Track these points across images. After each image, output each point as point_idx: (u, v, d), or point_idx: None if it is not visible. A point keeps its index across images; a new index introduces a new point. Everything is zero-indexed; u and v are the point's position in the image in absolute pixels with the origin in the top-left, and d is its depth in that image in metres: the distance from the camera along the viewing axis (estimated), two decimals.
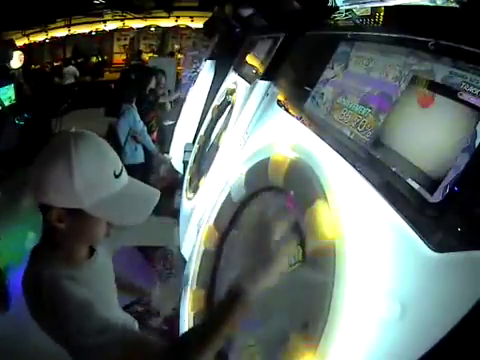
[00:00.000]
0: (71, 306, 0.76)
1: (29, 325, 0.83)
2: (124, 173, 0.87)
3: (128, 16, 9.85)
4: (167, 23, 10.03)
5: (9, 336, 2.10)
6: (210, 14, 3.96)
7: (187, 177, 2.54)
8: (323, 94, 1.02)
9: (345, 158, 0.80)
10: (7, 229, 3.21)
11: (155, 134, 3.71)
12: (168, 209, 3.05)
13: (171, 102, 4.42)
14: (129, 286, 1.26)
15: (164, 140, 4.14)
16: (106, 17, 9.86)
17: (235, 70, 2.38)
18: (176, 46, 9.89)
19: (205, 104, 3.17)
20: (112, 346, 0.75)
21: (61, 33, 9.71)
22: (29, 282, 0.83)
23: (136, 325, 1.12)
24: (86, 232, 0.86)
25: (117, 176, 0.84)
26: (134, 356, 0.78)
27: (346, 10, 1.10)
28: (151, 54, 9.61)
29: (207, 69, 3.45)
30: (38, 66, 9.38)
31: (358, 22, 1.04)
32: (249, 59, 2.10)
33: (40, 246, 0.88)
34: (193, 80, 4.12)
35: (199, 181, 2.11)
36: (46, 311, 0.78)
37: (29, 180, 0.81)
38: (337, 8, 1.13)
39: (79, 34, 9.85)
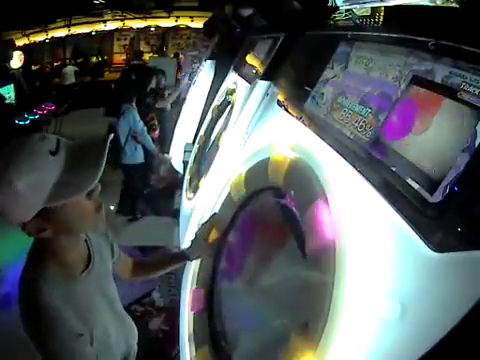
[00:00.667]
0: (56, 333, 0.80)
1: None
2: (62, 145, 0.80)
3: (128, 16, 9.85)
4: (167, 23, 10.03)
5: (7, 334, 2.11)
6: (210, 14, 3.96)
7: (187, 177, 2.54)
8: (323, 94, 1.02)
9: (345, 158, 0.80)
10: (7, 229, 3.21)
11: (157, 132, 3.70)
12: (168, 209, 3.06)
13: (171, 104, 4.42)
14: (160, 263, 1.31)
15: (164, 140, 4.14)
16: (106, 17, 9.86)
17: (235, 70, 2.38)
18: (170, 49, 9.89)
19: (205, 104, 3.17)
20: None
21: (61, 33, 9.70)
22: (24, 291, 0.84)
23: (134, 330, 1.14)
24: (71, 222, 0.83)
25: (54, 153, 0.77)
26: None
27: (346, 10, 1.10)
28: (151, 54, 9.62)
29: (207, 69, 3.45)
30: (38, 66, 9.38)
31: (358, 22, 1.04)
32: (249, 59, 2.10)
33: (35, 255, 0.87)
34: (193, 80, 4.12)
35: (199, 181, 2.11)
36: (32, 323, 0.81)
37: None
38: (337, 8, 1.13)
39: (79, 34, 9.85)
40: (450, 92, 0.60)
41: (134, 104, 3.30)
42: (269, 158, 1.09)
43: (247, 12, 2.20)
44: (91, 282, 0.92)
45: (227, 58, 2.73)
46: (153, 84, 3.70)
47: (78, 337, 0.83)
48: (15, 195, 0.74)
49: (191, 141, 3.17)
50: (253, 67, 1.91)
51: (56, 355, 0.81)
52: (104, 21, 9.92)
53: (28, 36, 9.06)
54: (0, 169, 0.75)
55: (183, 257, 1.27)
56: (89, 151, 0.81)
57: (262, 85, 1.54)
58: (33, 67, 9.03)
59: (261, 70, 1.70)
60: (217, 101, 2.53)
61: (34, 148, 0.77)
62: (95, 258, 0.96)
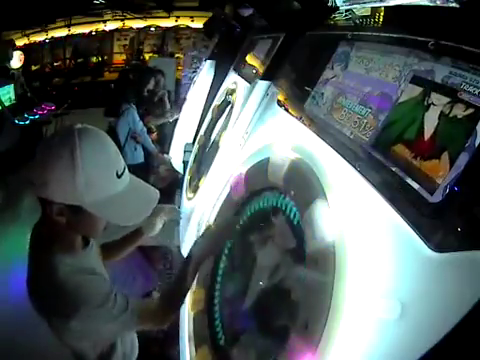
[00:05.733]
0: (69, 291, 0.80)
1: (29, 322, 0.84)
2: (126, 173, 0.87)
3: (128, 16, 9.83)
4: (167, 23, 10.02)
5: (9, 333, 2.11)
6: (210, 14, 3.95)
7: (187, 177, 2.54)
8: (323, 94, 1.02)
9: (345, 158, 0.80)
10: (7, 229, 3.21)
11: (154, 134, 3.70)
12: None
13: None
14: None
15: (164, 140, 4.13)
16: (106, 17, 9.84)
17: (235, 70, 2.38)
18: (170, 49, 9.85)
19: (205, 104, 3.17)
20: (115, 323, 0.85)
21: (61, 33, 9.69)
22: (40, 274, 0.85)
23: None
24: (85, 226, 0.88)
25: (119, 176, 0.84)
26: (141, 323, 0.93)
27: (346, 10, 1.10)
28: (151, 54, 9.61)
29: (207, 69, 3.45)
30: (38, 66, 9.38)
31: (358, 22, 1.04)
32: (249, 59, 2.10)
33: (39, 232, 0.89)
34: (193, 80, 4.12)
35: (199, 181, 2.11)
36: (45, 294, 0.82)
37: (30, 173, 0.80)
38: (337, 8, 1.13)
39: (79, 34, 9.84)
40: (450, 92, 0.60)
41: (133, 104, 3.30)
42: (269, 158, 1.09)
43: (247, 12, 2.20)
44: (91, 259, 0.95)
45: (227, 58, 2.73)
46: (151, 85, 3.68)
47: (108, 295, 0.84)
48: (70, 180, 0.76)
49: (191, 141, 3.16)
50: (253, 67, 1.91)
51: (90, 319, 0.81)
52: (104, 21, 9.90)
53: (28, 36, 9.05)
54: (70, 151, 0.76)
55: (140, 234, 1.31)
56: (143, 198, 0.91)
57: (262, 85, 1.54)
58: (33, 67, 9.02)
59: (261, 70, 1.70)
60: (217, 101, 2.53)
61: (108, 160, 0.82)
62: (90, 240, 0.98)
